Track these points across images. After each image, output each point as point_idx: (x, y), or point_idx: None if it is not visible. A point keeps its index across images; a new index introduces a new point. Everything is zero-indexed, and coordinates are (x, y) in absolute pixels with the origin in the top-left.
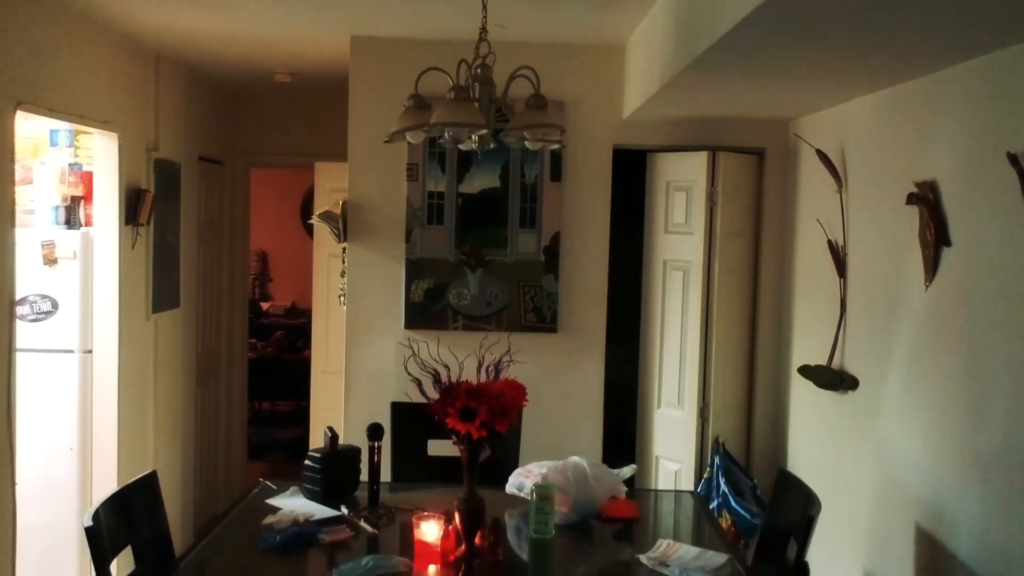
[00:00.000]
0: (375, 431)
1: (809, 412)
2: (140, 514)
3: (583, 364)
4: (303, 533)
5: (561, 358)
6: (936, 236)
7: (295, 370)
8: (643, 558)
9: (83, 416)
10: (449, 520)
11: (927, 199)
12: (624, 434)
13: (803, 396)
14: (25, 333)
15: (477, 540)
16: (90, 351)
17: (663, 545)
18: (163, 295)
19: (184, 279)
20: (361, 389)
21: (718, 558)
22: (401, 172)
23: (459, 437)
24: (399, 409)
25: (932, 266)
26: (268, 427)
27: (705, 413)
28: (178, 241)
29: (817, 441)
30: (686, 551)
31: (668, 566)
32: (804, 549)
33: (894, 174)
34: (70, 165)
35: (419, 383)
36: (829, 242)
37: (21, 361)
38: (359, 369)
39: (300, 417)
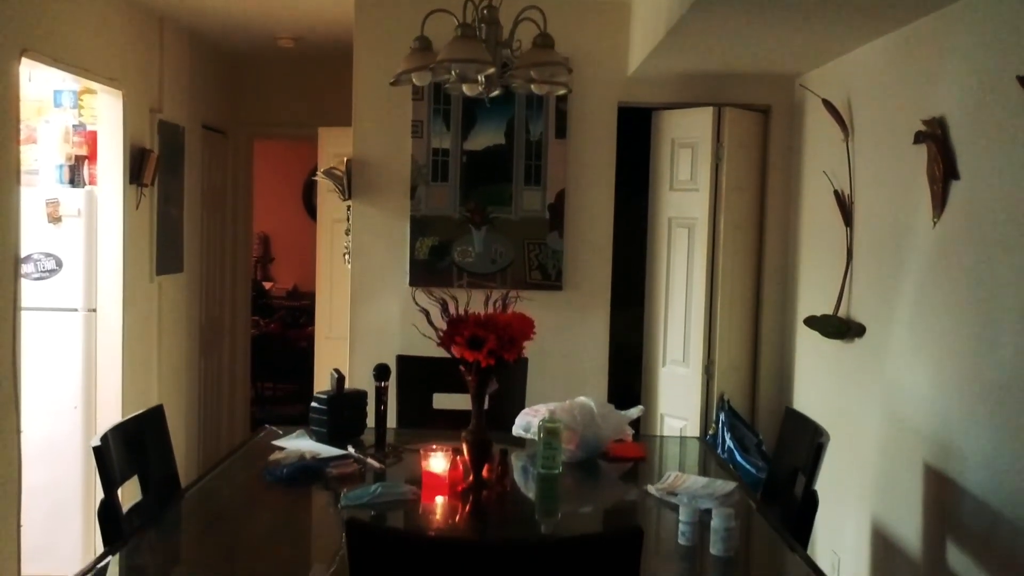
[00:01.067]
0: (382, 371)
1: (815, 363)
2: (147, 444)
3: (588, 322)
4: (310, 467)
5: (566, 316)
6: (944, 170)
7: (298, 349)
8: (651, 488)
9: (87, 375)
10: (457, 454)
11: (935, 135)
12: (629, 394)
13: (809, 348)
14: (29, 291)
15: (485, 472)
16: (94, 310)
17: (671, 476)
18: (167, 258)
19: (187, 246)
20: (365, 346)
21: (726, 486)
22: (406, 129)
23: (467, 366)
24: (405, 363)
25: (940, 201)
26: (270, 405)
27: (710, 370)
28: (181, 206)
29: (823, 391)
30: (694, 481)
31: (677, 495)
32: (813, 479)
33: (901, 116)
34: (74, 126)
35: (427, 314)
36: (835, 192)
37: (25, 319)
38: (363, 326)
39: (303, 397)
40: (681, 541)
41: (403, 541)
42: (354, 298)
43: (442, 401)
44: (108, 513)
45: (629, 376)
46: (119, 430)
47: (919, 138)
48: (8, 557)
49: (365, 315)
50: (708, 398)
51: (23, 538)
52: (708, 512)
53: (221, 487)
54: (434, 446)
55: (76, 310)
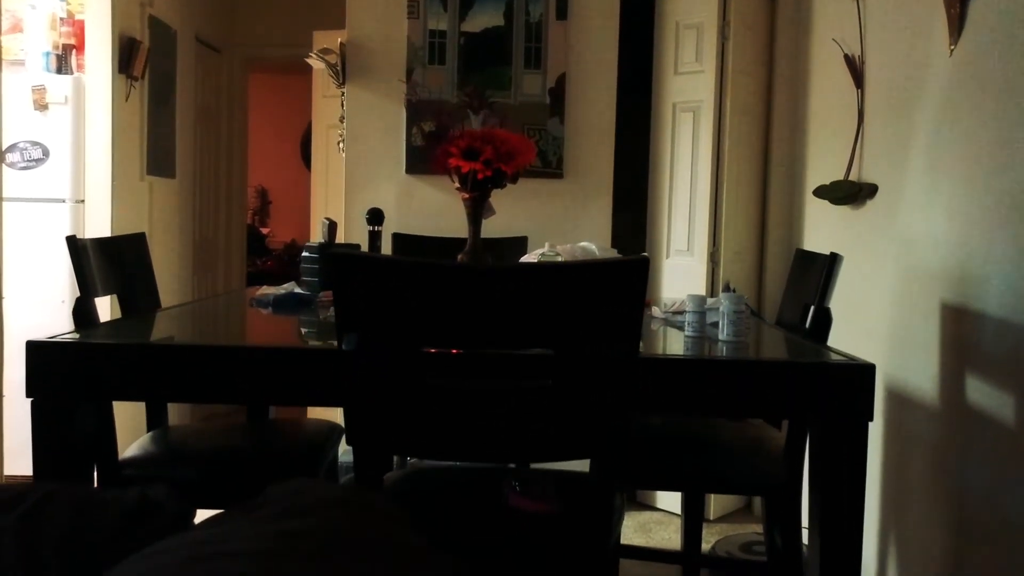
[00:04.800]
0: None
1: (824, 236)
2: (129, 266)
3: (590, 211)
4: (299, 298)
5: (568, 204)
6: None
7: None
8: (656, 311)
9: None
10: None
11: None
12: None
13: (818, 222)
14: (14, 181)
15: None
16: (82, 201)
17: (677, 303)
18: (158, 160)
19: (180, 157)
20: (361, 232)
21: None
22: (401, 9)
23: (463, 182)
24: (401, 240)
25: (957, 24)
26: None
27: (715, 257)
28: (173, 114)
29: None
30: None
31: (683, 313)
32: (825, 296)
33: None
34: (61, 19)
35: (421, 132)
36: (846, 56)
37: (10, 210)
38: (359, 215)
39: None
40: (688, 332)
41: (392, 267)
42: (349, 186)
43: None
44: (82, 309)
45: None
46: (98, 241)
47: None
48: None
49: (361, 203)
50: (713, 288)
51: (6, 436)
52: (716, 325)
53: (206, 308)
54: None
55: (63, 201)
